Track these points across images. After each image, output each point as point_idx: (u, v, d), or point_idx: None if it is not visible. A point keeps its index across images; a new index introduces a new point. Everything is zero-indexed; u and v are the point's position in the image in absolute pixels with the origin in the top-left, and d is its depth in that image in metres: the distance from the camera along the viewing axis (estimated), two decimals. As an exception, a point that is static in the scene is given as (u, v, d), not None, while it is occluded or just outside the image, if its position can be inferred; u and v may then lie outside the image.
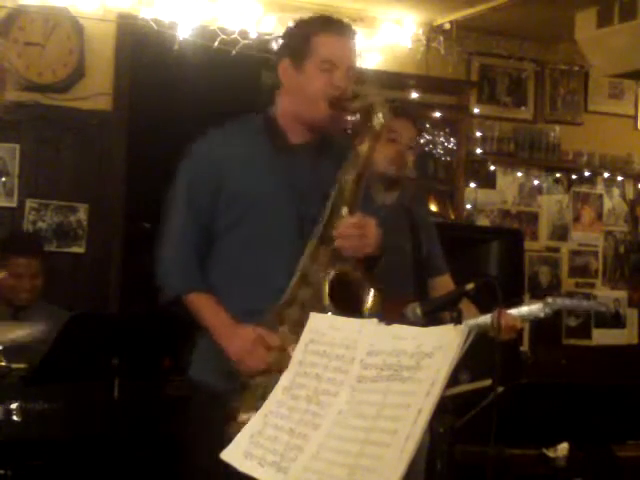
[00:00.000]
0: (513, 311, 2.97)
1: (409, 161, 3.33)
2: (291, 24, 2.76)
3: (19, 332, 3.64)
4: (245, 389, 2.51)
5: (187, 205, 2.67)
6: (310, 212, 2.62)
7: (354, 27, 2.70)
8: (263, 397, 2.42)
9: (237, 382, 2.53)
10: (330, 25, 2.65)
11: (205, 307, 2.63)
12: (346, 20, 2.72)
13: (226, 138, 2.71)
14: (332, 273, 2.49)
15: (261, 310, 2.54)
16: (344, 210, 2.53)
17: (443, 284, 3.31)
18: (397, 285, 3.19)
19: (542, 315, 2.93)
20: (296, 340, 2.41)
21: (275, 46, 5.09)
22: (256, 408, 2.43)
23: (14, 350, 3.65)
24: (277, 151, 2.66)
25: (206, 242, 2.68)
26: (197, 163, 2.69)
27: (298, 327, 2.45)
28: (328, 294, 2.46)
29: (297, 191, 2.64)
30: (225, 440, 2.41)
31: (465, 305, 2.60)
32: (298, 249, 2.57)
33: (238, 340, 2.52)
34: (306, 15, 2.76)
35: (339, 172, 2.57)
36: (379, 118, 2.54)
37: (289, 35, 2.73)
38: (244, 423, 2.42)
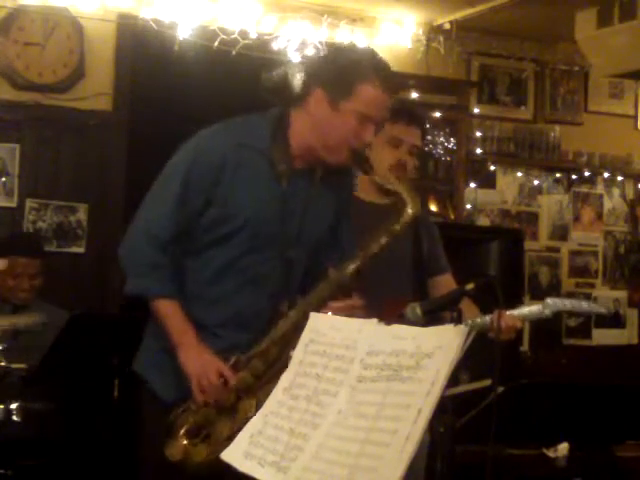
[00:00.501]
0: (513, 312, 2.97)
1: (410, 169, 3.27)
2: (335, 51, 2.64)
3: (19, 320, 3.65)
4: (189, 412, 2.51)
5: (177, 202, 2.56)
6: (300, 245, 2.61)
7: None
8: (205, 424, 2.47)
9: (183, 397, 2.52)
10: (379, 76, 2.50)
11: (174, 319, 2.55)
12: (390, 68, 2.57)
13: (231, 146, 2.57)
14: None
15: (215, 331, 2.55)
16: (339, 296, 2.51)
17: (444, 283, 3.28)
18: (397, 285, 3.18)
19: (542, 317, 2.93)
20: (254, 390, 2.45)
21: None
22: (195, 435, 2.48)
23: (14, 350, 3.66)
24: (279, 176, 2.57)
25: (179, 241, 2.59)
26: (199, 163, 2.57)
27: (257, 379, 2.49)
28: None
29: (290, 222, 2.59)
30: (165, 456, 2.46)
31: (466, 305, 2.60)
32: (277, 281, 2.57)
33: (202, 364, 2.49)
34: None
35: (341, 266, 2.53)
36: (405, 218, 2.52)
37: (332, 66, 2.55)
38: (181, 445, 2.48)
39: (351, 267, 2.51)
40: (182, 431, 2.49)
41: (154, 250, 2.56)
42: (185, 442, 2.49)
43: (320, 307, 2.47)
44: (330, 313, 2.40)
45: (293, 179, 2.59)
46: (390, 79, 2.55)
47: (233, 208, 2.55)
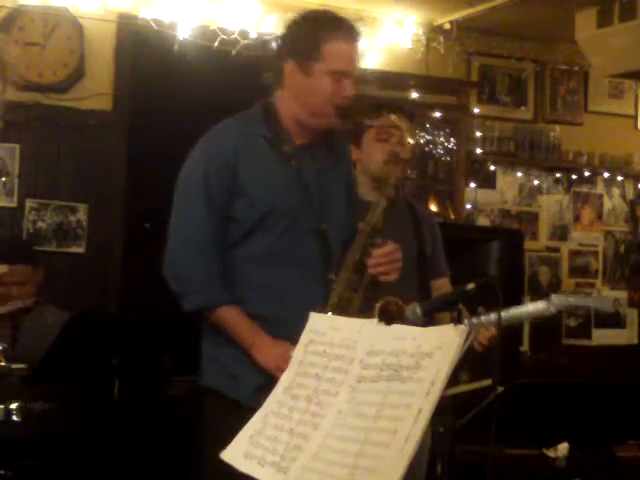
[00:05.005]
0: (517, 310, 2.95)
1: (405, 157, 3.23)
2: (296, 21, 2.66)
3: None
4: None
5: (207, 203, 2.58)
6: (328, 219, 2.64)
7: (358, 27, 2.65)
8: None
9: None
10: (340, 29, 2.58)
11: (242, 323, 2.56)
12: (351, 21, 2.65)
13: (237, 139, 2.62)
14: (380, 303, 2.57)
15: (274, 315, 2.56)
16: (377, 240, 2.57)
17: (442, 287, 3.27)
18: (399, 285, 3.16)
19: (547, 314, 2.92)
20: None
21: (275, 44, 5.08)
22: None
23: (14, 350, 3.65)
24: (286, 155, 2.62)
25: (222, 241, 2.61)
26: (212, 160, 2.60)
27: None
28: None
29: (310, 195, 2.63)
30: None
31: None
32: (318, 257, 2.60)
33: (281, 355, 2.41)
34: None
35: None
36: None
37: (296, 35, 2.63)
38: None
39: (380, 205, 2.59)
40: None
41: (204, 258, 2.57)
42: None
43: (365, 258, 2.54)
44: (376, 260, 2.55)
45: (299, 156, 2.64)
46: (350, 29, 2.61)
47: (254, 197, 2.58)
